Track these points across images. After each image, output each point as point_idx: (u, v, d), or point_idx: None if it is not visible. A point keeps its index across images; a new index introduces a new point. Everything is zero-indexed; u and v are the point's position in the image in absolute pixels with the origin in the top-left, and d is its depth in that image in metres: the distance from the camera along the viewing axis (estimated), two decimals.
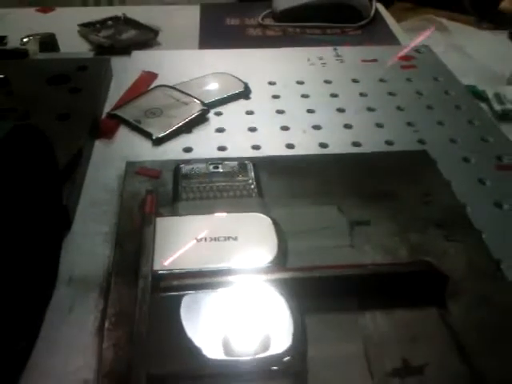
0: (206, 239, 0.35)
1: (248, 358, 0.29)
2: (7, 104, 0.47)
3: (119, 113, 0.50)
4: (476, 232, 0.38)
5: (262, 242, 0.35)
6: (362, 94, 0.55)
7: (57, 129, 0.45)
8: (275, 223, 0.36)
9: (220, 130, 0.50)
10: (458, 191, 0.42)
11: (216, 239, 0.35)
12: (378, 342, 0.30)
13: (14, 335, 0.30)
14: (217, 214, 0.37)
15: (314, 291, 0.32)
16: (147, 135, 0.48)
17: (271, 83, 0.57)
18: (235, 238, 0.35)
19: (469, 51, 0.86)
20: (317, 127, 0.50)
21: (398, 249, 0.36)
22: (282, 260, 0.34)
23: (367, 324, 0.31)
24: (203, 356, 0.28)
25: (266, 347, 0.29)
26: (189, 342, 0.29)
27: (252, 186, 0.40)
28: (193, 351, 0.28)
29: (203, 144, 0.48)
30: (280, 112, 0.52)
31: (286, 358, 0.29)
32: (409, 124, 0.51)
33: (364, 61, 0.61)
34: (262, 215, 0.37)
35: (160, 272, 0.32)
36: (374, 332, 0.31)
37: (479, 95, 0.58)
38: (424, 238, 0.37)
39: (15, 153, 0.29)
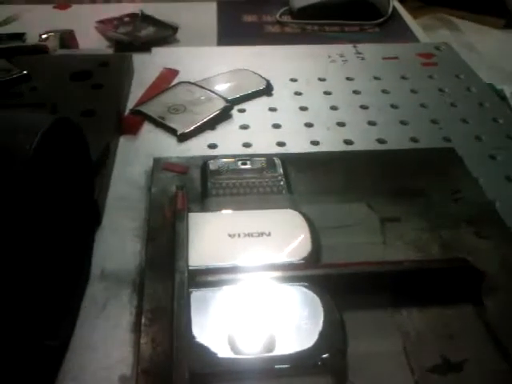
0: (239, 235, 0.35)
1: (287, 354, 0.28)
2: (32, 100, 0.47)
3: (143, 109, 0.50)
4: (507, 229, 0.38)
5: (296, 238, 0.35)
6: (384, 91, 0.55)
7: (82, 125, 0.45)
8: (308, 219, 0.36)
9: (244, 127, 0.49)
10: (485, 188, 0.42)
11: (249, 235, 0.35)
12: (415, 339, 0.30)
13: (44, 334, 0.29)
14: (249, 210, 0.37)
15: (350, 288, 0.32)
16: (172, 131, 0.48)
17: (293, 80, 0.57)
18: (268, 234, 0.35)
19: (482, 50, 0.86)
20: (341, 124, 0.50)
21: (429, 246, 0.36)
22: (316, 256, 0.34)
23: (404, 321, 0.31)
24: (244, 353, 0.28)
25: (304, 343, 0.29)
26: (228, 337, 0.29)
27: (281, 183, 0.40)
28: (233, 348, 0.28)
29: (228, 140, 0.47)
30: (303, 109, 0.52)
31: (324, 355, 0.28)
32: (433, 121, 0.51)
33: (385, 58, 0.61)
34: (294, 211, 0.36)
35: (195, 267, 0.32)
36: (412, 329, 0.31)
37: (497, 94, 0.58)
38: (455, 234, 0.37)
39: (54, 146, 0.29)
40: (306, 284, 0.32)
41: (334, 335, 0.29)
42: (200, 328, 0.29)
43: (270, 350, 0.28)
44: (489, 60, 0.78)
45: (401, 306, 0.32)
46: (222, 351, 0.28)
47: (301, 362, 0.28)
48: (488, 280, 0.33)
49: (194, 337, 0.29)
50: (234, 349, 0.28)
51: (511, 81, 0.64)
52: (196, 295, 0.31)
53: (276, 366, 0.28)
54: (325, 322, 0.30)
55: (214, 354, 0.28)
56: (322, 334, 0.29)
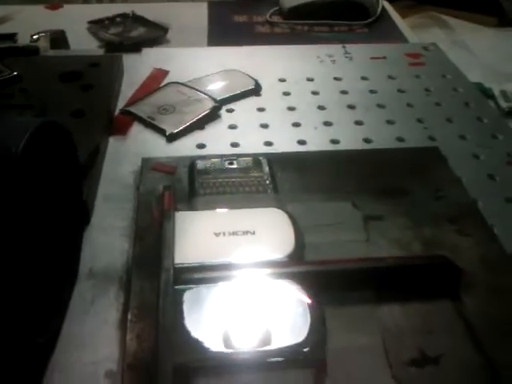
0: (224, 233, 0.35)
1: (267, 348, 0.29)
2: (22, 101, 0.48)
3: (133, 109, 0.51)
4: (488, 227, 0.39)
5: (280, 236, 0.35)
6: (371, 91, 0.56)
7: (72, 125, 0.45)
8: (292, 218, 0.37)
9: (232, 127, 0.50)
10: (468, 187, 0.42)
11: (234, 233, 0.35)
12: (395, 334, 0.31)
13: (34, 331, 0.30)
14: (234, 209, 0.37)
15: (332, 284, 0.33)
16: (161, 131, 0.48)
17: (281, 80, 0.58)
18: (253, 233, 0.35)
19: (473, 48, 0.86)
20: (328, 124, 0.51)
21: (411, 243, 0.37)
22: (299, 254, 0.35)
23: (384, 316, 0.32)
24: (227, 347, 0.29)
25: (285, 338, 0.30)
26: (217, 332, 0.30)
27: (267, 182, 0.41)
28: (219, 342, 0.29)
29: (216, 140, 0.48)
30: (291, 109, 0.53)
31: (305, 349, 0.29)
32: (419, 121, 0.52)
33: (373, 58, 0.62)
34: (278, 210, 0.37)
35: (181, 265, 0.33)
36: (391, 324, 0.32)
37: (485, 92, 0.59)
38: (437, 232, 0.38)
39: (43, 147, 0.30)
40: (290, 281, 0.32)
41: (314, 330, 0.30)
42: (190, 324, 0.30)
43: (252, 346, 0.29)
44: (481, 58, 0.79)
45: (382, 301, 0.33)
46: (209, 345, 0.29)
47: (281, 356, 0.29)
48: (466, 276, 0.34)
49: (183, 333, 0.29)
50: (226, 344, 0.29)
51: (502, 79, 0.64)
52: (187, 293, 0.32)
53: (255, 361, 0.29)
54: (306, 316, 0.30)
55: (200, 348, 0.29)
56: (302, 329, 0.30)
